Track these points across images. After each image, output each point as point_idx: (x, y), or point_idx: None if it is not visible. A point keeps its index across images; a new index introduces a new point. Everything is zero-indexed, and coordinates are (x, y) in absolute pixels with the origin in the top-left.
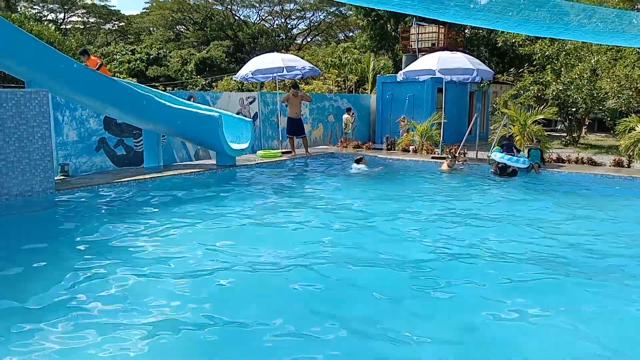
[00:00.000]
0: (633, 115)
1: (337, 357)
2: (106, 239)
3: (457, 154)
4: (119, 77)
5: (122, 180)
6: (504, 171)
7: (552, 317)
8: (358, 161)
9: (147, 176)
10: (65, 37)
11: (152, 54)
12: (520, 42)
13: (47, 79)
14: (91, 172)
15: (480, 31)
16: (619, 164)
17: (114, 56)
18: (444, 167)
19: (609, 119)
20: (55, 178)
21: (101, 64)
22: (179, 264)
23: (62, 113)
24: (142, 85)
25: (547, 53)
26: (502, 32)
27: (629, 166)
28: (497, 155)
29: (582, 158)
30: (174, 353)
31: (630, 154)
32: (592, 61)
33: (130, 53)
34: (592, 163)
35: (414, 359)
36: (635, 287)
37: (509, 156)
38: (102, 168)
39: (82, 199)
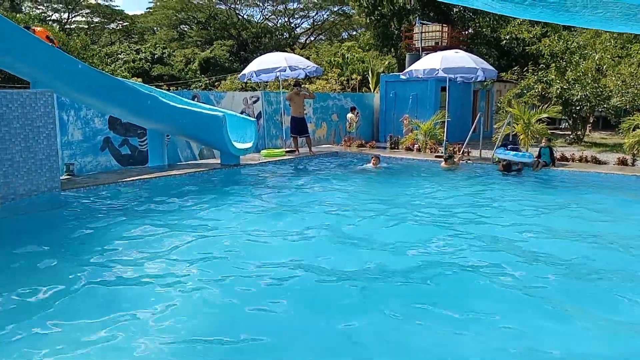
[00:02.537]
0: (637, 113)
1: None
2: (112, 237)
3: (457, 153)
4: (123, 77)
5: (127, 179)
6: (509, 169)
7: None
8: (372, 160)
9: (151, 175)
10: (70, 37)
11: (156, 54)
12: (528, 40)
13: (51, 79)
14: (96, 172)
15: (484, 29)
16: (623, 162)
17: (118, 56)
18: (443, 165)
19: (613, 117)
20: (61, 177)
21: (51, 39)
22: (184, 262)
23: (67, 113)
24: (147, 85)
25: (554, 50)
26: (507, 27)
27: (633, 164)
28: (502, 151)
29: (587, 156)
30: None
31: (635, 152)
32: (596, 57)
33: (134, 52)
34: (597, 161)
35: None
36: None
37: (514, 152)
38: (107, 167)
39: (88, 198)
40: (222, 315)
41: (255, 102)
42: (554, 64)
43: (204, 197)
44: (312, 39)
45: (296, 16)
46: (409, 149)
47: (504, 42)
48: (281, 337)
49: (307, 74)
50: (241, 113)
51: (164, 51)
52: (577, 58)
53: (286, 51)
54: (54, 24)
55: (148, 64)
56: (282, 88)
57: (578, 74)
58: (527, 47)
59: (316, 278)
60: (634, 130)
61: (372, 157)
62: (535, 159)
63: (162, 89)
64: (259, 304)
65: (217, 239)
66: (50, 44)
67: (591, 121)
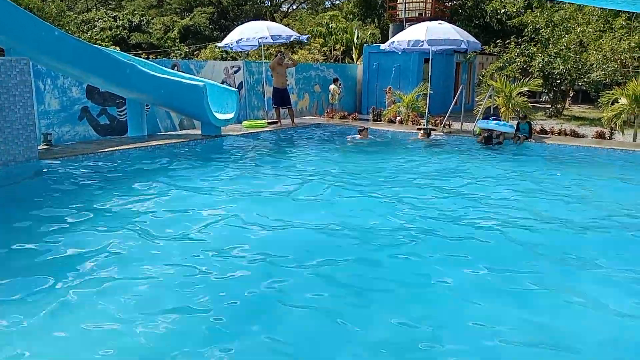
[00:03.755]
0: (616, 87)
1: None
2: (90, 208)
3: (439, 125)
4: (100, 45)
5: (107, 149)
6: (489, 141)
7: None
8: (360, 132)
9: (131, 146)
10: (45, 3)
11: (134, 21)
12: (510, 13)
13: (27, 47)
14: (74, 142)
15: (468, 2)
16: (601, 136)
17: (95, 23)
18: (420, 137)
19: (592, 91)
20: (39, 147)
21: None
22: (162, 233)
23: (43, 82)
24: (125, 54)
25: (537, 25)
26: (492, 3)
27: (610, 138)
28: (485, 122)
29: (565, 130)
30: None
31: (612, 126)
32: (579, 30)
33: (112, 20)
34: (575, 135)
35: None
36: None
37: (496, 121)
38: (85, 137)
39: (66, 169)
40: (206, 282)
41: (236, 72)
42: (537, 37)
43: (184, 168)
44: (295, 7)
45: None
46: (391, 121)
47: (488, 15)
48: (265, 309)
49: (290, 41)
50: (222, 83)
51: (142, 18)
52: (560, 31)
53: (268, 20)
54: None
55: (126, 31)
56: (264, 58)
57: (561, 47)
58: (509, 21)
59: (296, 254)
60: (612, 104)
61: (360, 128)
62: (515, 135)
63: (141, 57)
64: (241, 277)
65: (196, 209)
66: None
67: (571, 95)
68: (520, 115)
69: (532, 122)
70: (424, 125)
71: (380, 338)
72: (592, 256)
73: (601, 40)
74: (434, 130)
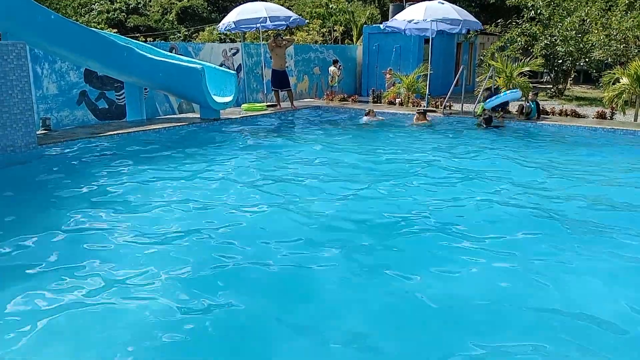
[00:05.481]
0: (618, 67)
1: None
2: (91, 192)
3: (439, 107)
4: (98, 28)
5: (106, 134)
6: (489, 122)
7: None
8: (367, 113)
9: (130, 130)
10: None
11: (131, 4)
12: None
13: (23, 31)
14: (73, 126)
15: None
16: (601, 116)
17: (92, 6)
18: (415, 121)
19: (594, 71)
20: (37, 132)
21: None
22: (162, 217)
23: (40, 66)
24: (123, 37)
25: (538, 5)
26: None
27: (611, 118)
28: (493, 100)
29: (567, 110)
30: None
31: (614, 105)
32: (582, 13)
33: (108, 2)
34: (576, 115)
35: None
36: None
37: (504, 92)
38: (84, 122)
39: (66, 153)
40: (200, 265)
41: (234, 54)
42: (538, 16)
43: (184, 151)
44: None
45: None
46: (391, 103)
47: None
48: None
49: (288, 24)
50: (220, 65)
51: (139, 1)
52: (562, 11)
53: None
54: None
55: (123, 14)
56: (262, 40)
57: (564, 30)
58: (508, 1)
59: (299, 233)
60: (614, 83)
61: (368, 110)
62: (518, 112)
63: (138, 40)
64: (241, 259)
65: (195, 192)
66: None
67: (572, 75)
68: (531, 93)
69: (538, 102)
70: (424, 107)
71: None
72: None
73: (603, 20)
74: (434, 111)
